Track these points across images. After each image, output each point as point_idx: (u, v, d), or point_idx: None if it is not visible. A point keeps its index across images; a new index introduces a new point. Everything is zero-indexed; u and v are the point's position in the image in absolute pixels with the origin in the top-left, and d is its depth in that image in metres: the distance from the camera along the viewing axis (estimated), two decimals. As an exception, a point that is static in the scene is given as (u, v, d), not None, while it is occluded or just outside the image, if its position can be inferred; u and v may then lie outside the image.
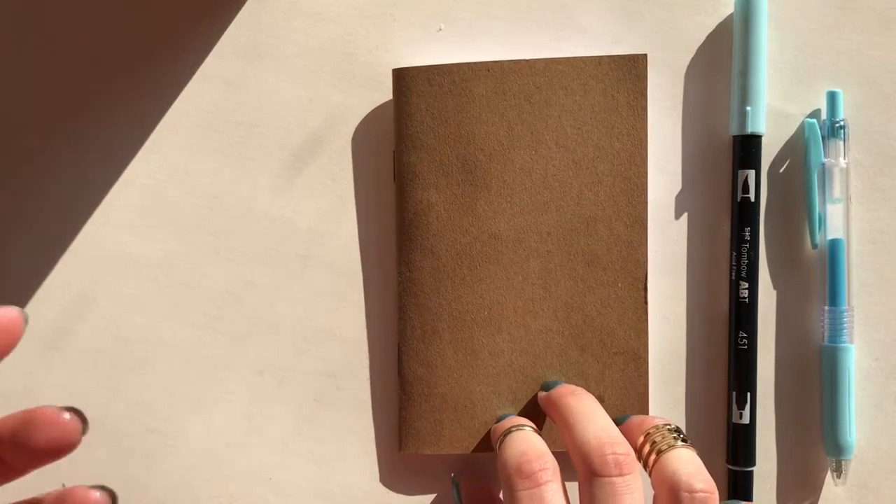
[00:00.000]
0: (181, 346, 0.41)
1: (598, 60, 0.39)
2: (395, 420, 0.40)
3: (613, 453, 0.32)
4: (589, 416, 0.34)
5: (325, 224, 0.40)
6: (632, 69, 0.39)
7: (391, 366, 0.40)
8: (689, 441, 0.34)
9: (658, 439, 0.34)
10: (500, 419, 0.38)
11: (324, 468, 0.40)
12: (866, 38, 0.40)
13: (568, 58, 0.39)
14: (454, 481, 0.39)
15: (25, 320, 0.29)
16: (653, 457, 0.33)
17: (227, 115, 0.41)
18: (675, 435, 0.34)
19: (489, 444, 0.39)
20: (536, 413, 0.39)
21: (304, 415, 0.40)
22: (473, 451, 0.39)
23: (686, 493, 0.31)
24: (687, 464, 0.32)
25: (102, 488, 0.29)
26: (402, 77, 0.39)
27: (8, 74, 0.41)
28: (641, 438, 0.34)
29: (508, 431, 0.35)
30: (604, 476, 0.31)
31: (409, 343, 0.39)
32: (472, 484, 0.38)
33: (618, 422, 0.36)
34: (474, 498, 0.38)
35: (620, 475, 0.31)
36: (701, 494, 0.31)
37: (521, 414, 0.39)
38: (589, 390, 0.38)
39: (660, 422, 0.35)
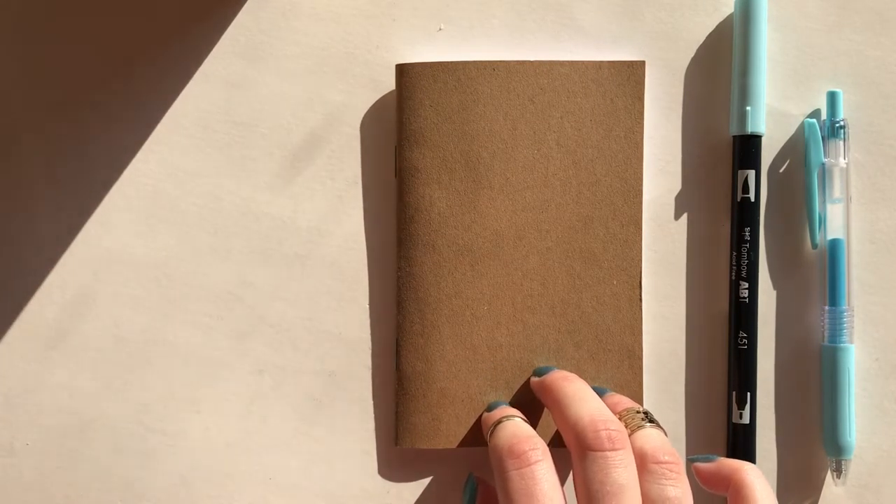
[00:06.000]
0: (181, 346, 0.41)
1: (599, 65, 0.39)
2: (393, 416, 0.40)
3: (607, 429, 0.33)
4: (582, 396, 0.35)
5: (325, 224, 0.40)
6: (630, 74, 0.39)
7: (391, 364, 0.40)
8: (656, 422, 0.35)
9: (628, 420, 0.35)
10: (490, 407, 0.39)
11: (323, 468, 0.40)
12: (866, 38, 0.40)
13: (571, 61, 0.39)
14: (472, 479, 0.39)
15: None
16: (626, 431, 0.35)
17: (227, 115, 0.41)
18: (642, 416, 0.35)
19: (484, 438, 0.39)
20: (529, 401, 0.39)
21: (304, 415, 0.40)
22: (470, 445, 0.39)
23: (653, 464, 0.33)
24: (654, 439, 0.34)
25: None
26: (405, 72, 0.39)
27: (8, 74, 0.41)
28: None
29: (499, 422, 0.36)
30: (597, 450, 0.32)
31: (408, 338, 0.39)
32: (488, 489, 0.38)
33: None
34: (487, 498, 0.38)
35: (613, 450, 0.32)
36: (666, 465, 0.33)
37: (514, 401, 0.39)
38: (584, 386, 0.38)
39: (631, 405, 0.37)
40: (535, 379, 0.38)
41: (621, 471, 0.32)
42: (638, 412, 0.36)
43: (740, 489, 0.34)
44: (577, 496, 0.33)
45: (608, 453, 0.32)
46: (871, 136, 0.40)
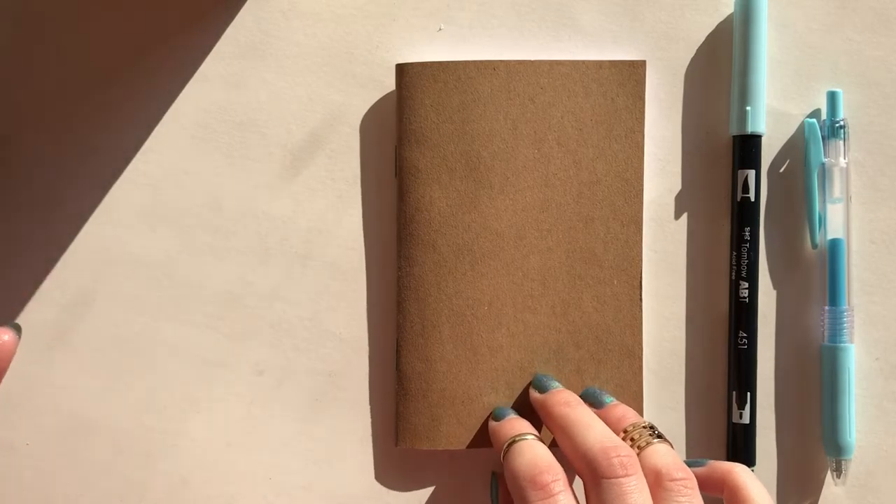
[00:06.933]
0: (181, 346, 0.41)
1: (599, 64, 0.39)
2: (394, 416, 0.40)
3: (618, 455, 0.33)
4: (587, 423, 0.35)
5: (325, 223, 0.40)
6: (631, 74, 0.39)
7: (391, 364, 0.40)
8: (663, 437, 0.35)
9: (636, 436, 0.35)
10: (496, 414, 0.39)
11: (323, 468, 0.40)
12: (866, 38, 0.40)
13: (571, 60, 0.39)
14: (494, 477, 0.39)
15: (17, 335, 0.34)
16: (634, 451, 0.35)
17: (227, 115, 0.41)
18: (650, 432, 0.35)
19: (485, 440, 0.39)
20: (530, 405, 0.39)
21: (304, 415, 0.40)
22: (470, 446, 0.39)
23: (668, 482, 0.33)
24: (665, 456, 0.34)
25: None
26: (405, 72, 0.39)
27: (8, 74, 0.41)
28: (622, 435, 0.36)
29: (513, 441, 0.36)
30: (611, 478, 0.32)
31: (409, 338, 0.39)
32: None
33: (590, 397, 0.38)
34: (509, 498, 0.38)
35: (627, 475, 0.33)
36: (681, 482, 0.33)
37: (515, 406, 0.39)
38: (584, 386, 0.39)
39: (636, 420, 0.37)
40: (535, 395, 0.38)
41: (637, 496, 0.32)
42: (644, 427, 0.36)
43: (736, 491, 0.35)
44: None
45: (622, 480, 0.32)
46: (871, 136, 0.40)
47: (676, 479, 0.33)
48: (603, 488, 0.32)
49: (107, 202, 0.41)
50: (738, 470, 0.35)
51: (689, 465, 0.36)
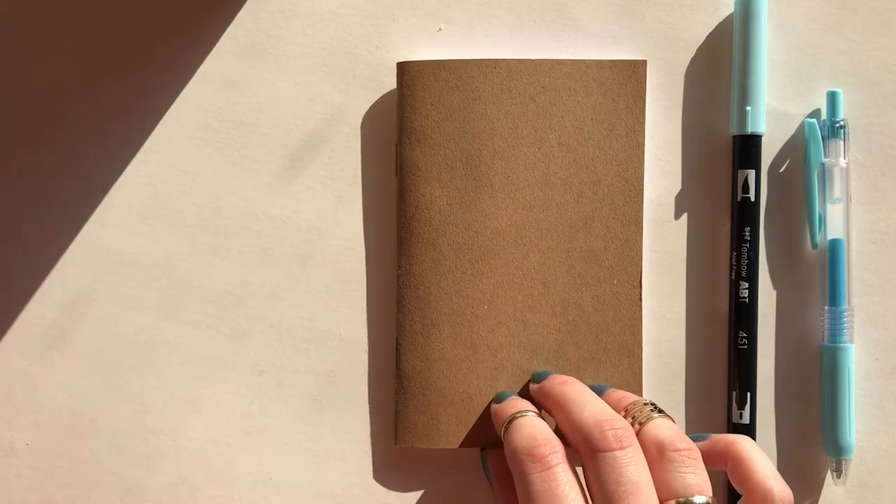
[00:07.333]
0: (181, 346, 0.41)
1: (600, 64, 0.39)
2: (393, 415, 0.40)
3: (612, 428, 0.33)
4: (584, 399, 0.35)
5: (325, 223, 0.40)
6: (632, 74, 0.39)
7: (391, 364, 0.40)
8: (665, 412, 0.35)
9: (637, 413, 0.35)
10: (498, 397, 0.38)
11: (323, 467, 0.40)
12: (866, 38, 0.40)
13: (572, 60, 0.39)
14: (483, 453, 0.39)
15: None
16: (636, 427, 0.35)
17: (227, 115, 0.41)
18: (651, 408, 0.35)
19: (484, 440, 0.39)
20: (529, 401, 0.39)
21: (304, 415, 0.40)
22: (470, 446, 0.39)
23: (671, 452, 0.33)
24: (668, 429, 0.34)
25: None
26: (406, 70, 0.39)
27: (7, 74, 0.41)
28: (623, 413, 0.36)
29: (513, 417, 0.36)
30: (606, 451, 0.32)
31: (409, 337, 0.39)
32: (500, 456, 0.38)
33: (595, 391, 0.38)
34: (500, 470, 0.38)
35: (622, 448, 0.32)
36: (684, 452, 0.33)
37: None
38: (583, 386, 0.39)
39: (636, 398, 0.36)
40: (534, 386, 0.38)
41: (633, 468, 0.32)
42: (645, 404, 0.35)
43: (739, 462, 0.34)
44: (591, 498, 0.33)
45: (617, 453, 0.32)
46: (871, 136, 0.40)
47: (680, 450, 0.33)
48: (599, 462, 0.32)
49: (107, 202, 0.41)
50: (741, 441, 0.35)
51: (691, 438, 0.36)
